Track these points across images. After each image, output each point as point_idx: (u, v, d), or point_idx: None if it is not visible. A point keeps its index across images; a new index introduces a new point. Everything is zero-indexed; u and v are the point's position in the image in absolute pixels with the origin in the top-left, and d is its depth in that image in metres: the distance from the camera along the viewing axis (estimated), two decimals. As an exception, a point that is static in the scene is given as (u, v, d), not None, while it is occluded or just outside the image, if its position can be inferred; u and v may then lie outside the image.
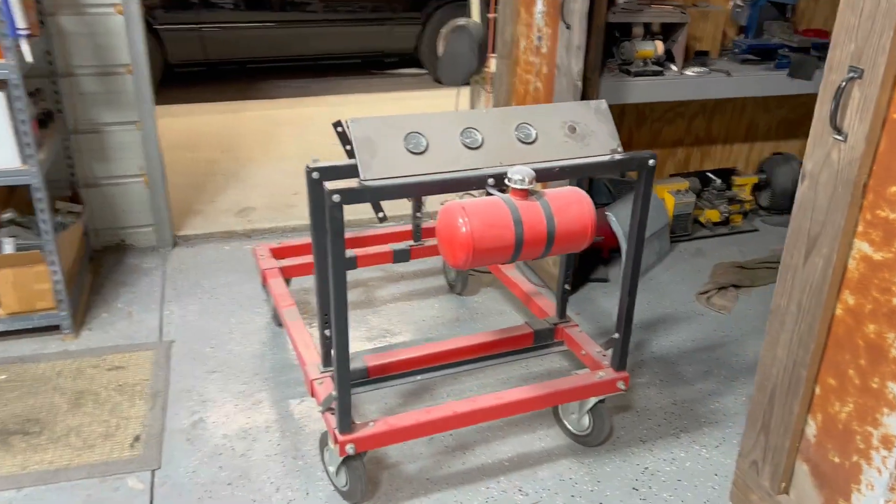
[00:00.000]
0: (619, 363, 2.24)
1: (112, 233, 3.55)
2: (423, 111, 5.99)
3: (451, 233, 1.70)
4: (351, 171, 2.00)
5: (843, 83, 1.58)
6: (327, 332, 2.17)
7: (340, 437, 1.94)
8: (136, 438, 2.37)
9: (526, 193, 1.75)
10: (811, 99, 4.29)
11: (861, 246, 1.66)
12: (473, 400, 2.12)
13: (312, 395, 2.20)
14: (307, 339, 2.38)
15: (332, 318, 1.81)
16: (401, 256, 3.00)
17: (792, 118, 4.24)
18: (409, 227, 3.17)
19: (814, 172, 1.72)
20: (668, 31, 3.32)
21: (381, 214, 2.09)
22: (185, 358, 2.80)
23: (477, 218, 1.68)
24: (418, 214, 2.97)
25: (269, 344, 2.90)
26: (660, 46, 3.24)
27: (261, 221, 3.89)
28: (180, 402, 2.56)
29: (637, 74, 3.18)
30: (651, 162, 1.96)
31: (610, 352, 2.33)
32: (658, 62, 3.26)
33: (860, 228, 1.65)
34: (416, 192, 1.76)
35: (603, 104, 2.01)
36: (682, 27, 3.22)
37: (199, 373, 2.72)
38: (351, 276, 3.10)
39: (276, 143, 5.13)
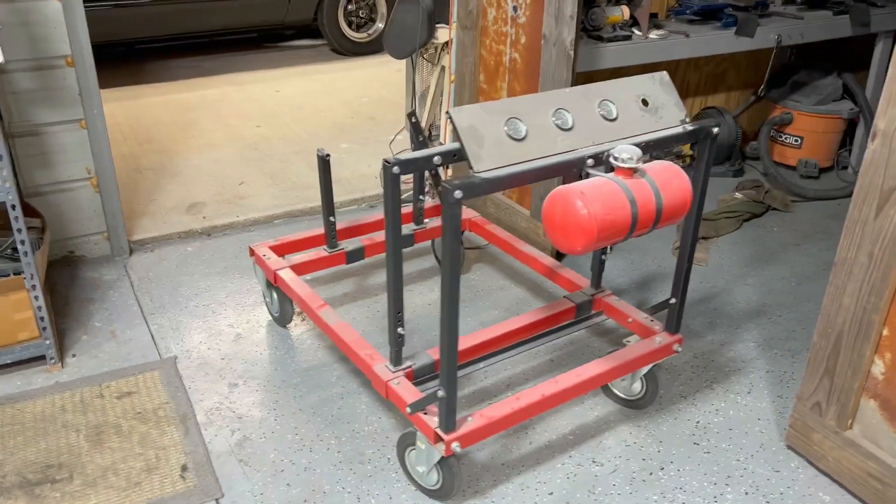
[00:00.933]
0: (676, 326, 2.31)
1: (59, 245, 3.19)
2: (338, 85, 5.80)
3: (568, 219, 1.67)
4: (426, 163, 1.91)
5: (927, 46, 1.69)
6: (400, 330, 2.07)
7: (447, 437, 1.88)
8: (184, 468, 2.17)
9: (632, 172, 1.74)
10: (733, 55, 4.44)
11: (937, 196, 1.79)
12: (556, 381, 2.12)
13: (387, 396, 2.11)
14: (360, 339, 2.27)
15: (444, 320, 1.73)
16: (406, 242, 2.92)
17: (717, 73, 4.47)
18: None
19: (888, 131, 1.83)
20: (630, -4, 3.38)
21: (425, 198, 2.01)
22: (197, 373, 2.59)
23: (597, 202, 1.65)
24: (421, 197, 2.89)
25: (281, 348, 2.73)
26: (626, 11, 3.30)
27: (216, 217, 3.63)
28: (214, 422, 2.37)
29: (609, 40, 3.23)
30: (715, 130, 2.01)
31: (655, 317, 2.41)
32: (624, 27, 3.33)
33: (935, 180, 1.79)
34: (528, 179, 1.71)
35: (665, 76, 2.03)
36: (648, -8, 3.30)
37: (220, 388, 2.52)
38: (335, 267, 2.97)
39: (195, 130, 4.78)
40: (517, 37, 3.17)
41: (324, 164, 2.60)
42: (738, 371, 2.70)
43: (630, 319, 2.43)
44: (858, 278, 1.98)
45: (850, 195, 4.43)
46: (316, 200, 3.81)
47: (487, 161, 1.67)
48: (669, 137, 1.93)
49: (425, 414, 1.96)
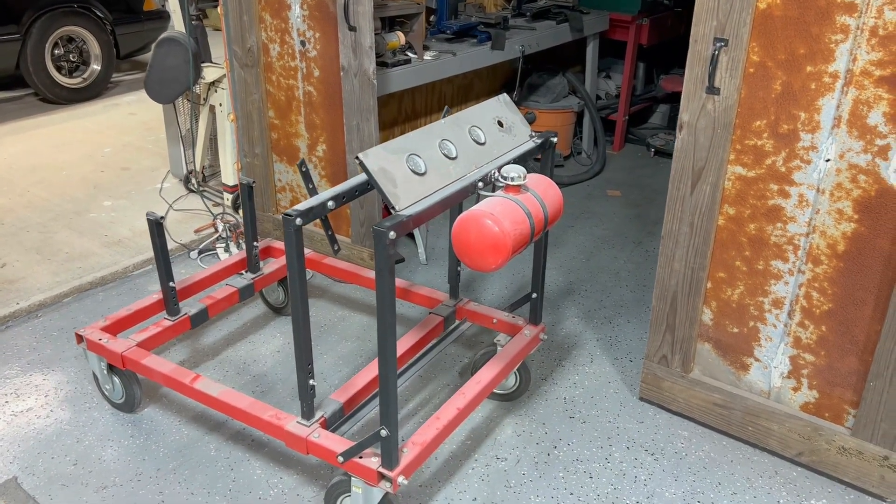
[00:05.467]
0: (538, 318, 2.54)
1: None
2: (68, 137, 5.22)
3: (484, 239, 1.79)
4: (322, 210, 1.90)
5: (716, 51, 2.09)
6: (312, 382, 2.03)
7: (392, 473, 1.90)
8: None
9: (519, 188, 1.91)
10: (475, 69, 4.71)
11: (735, 169, 2.22)
12: (462, 392, 2.22)
13: (308, 452, 2.05)
14: (256, 403, 2.16)
15: (383, 362, 1.76)
16: (246, 293, 2.81)
17: (465, 84, 4.87)
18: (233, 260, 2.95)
19: (691, 122, 2.22)
20: (402, 22, 3.56)
21: (336, 247, 2.01)
22: (51, 487, 2.26)
23: (506, 220, 1.80)
24: (255, 244, 2.79)
25: (139, 435, 2.48)
26: (402, 37, 3.47)
27: (-10, 309, 3.14)
28: (101, 535, 2.10)
29: (394, 65, 3.38)
30: (554, 139, 2.26)
31: (515, 313, 2.63)
32: (402, 51, 3.51)
33: (732, 157, 2.21)
34: (439, 210, 1.79)
35: (506, 97, 2.23)
36: (418, 16, 3.51)
37: (88, 496, 2.23)
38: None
39: None
40: (309, 70, 3.19)
41: (157, 227, 2.41)
42: (575, 345, 3.03)
43: (495, 320, 2.62)
44: (684, 245, 2.37)
45: (595, 176, 5.06)
46: (103, 269, 3.47)
47: (404, 199, 1.73)
48: (528, 152, 2.14)
49: (360, 458, 1.95)
